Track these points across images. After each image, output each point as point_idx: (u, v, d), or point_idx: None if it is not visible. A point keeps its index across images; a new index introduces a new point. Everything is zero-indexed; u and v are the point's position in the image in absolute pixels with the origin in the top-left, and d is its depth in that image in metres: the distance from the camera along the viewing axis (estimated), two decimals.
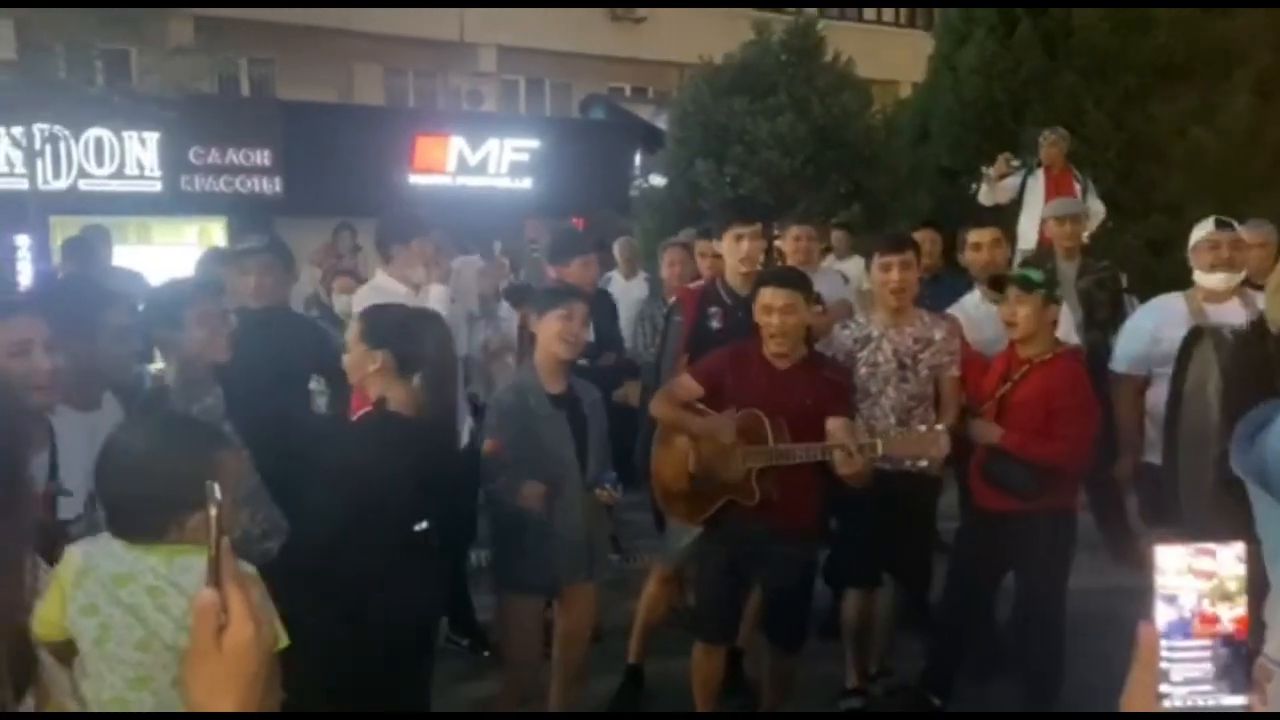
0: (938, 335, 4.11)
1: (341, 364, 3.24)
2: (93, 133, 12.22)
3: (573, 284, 4.77)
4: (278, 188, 13.70)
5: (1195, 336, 3.68)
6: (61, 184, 12.07)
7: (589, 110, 17.94)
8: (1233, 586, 0.95)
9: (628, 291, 7.13)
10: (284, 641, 1.91)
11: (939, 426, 3.64)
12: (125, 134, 12.54)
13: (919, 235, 6.27)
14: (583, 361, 4.74)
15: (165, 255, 11.46)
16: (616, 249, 7.82)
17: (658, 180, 11.87)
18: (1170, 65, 10.10)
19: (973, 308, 4.57)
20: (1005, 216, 6.88)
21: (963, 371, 4.13)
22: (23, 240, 11.21)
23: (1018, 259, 6.20)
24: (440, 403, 3.11)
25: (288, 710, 1.96)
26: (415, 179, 14.56)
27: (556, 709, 3.76)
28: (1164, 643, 0.95)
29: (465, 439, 4.44)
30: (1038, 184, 7.41)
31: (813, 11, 13.04)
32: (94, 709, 1.87)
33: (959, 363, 4.15)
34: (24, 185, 10.86)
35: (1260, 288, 4.43)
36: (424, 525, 3.10)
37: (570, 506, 3.55)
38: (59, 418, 2.63)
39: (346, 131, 13.82)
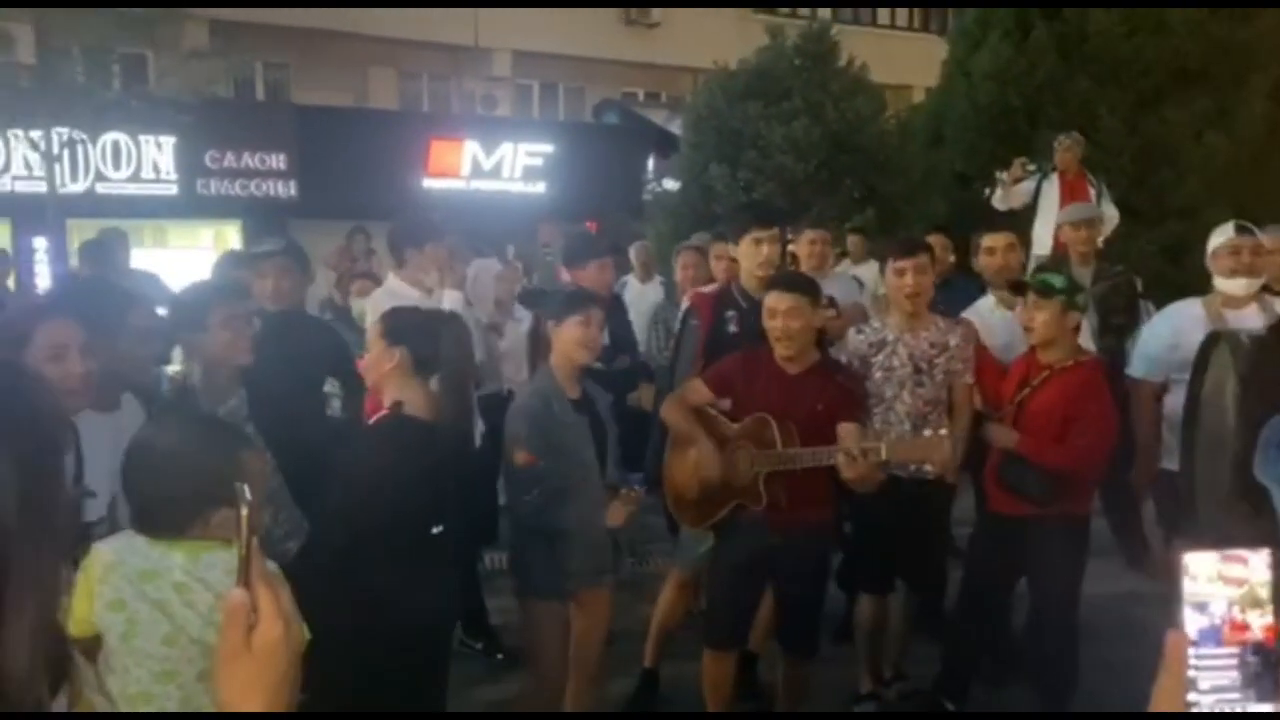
0: (952, 340, 4.11)
1: (356, 367, 3.26)
2: (110, 136, 12.31)
3: (589, 288, 4.79)
4: (293, 191, 13.76)
5: (1212, 341, 3.67)
6: (79, 187, 12.16)
7: (603, 115, 17.98)
8: (1263, 593, 0.94)
9: (643, 295, 7.13)
10: (305, 637, 1.92)
11: (942, 432, 3.63)
12: (142, 138, 12.64)
13: (930, 240, 6.26)
14: (597, 365, 4.75)
15: (181, 258, 11.56)
16: (632, 253, 7.83)
17: (671, 184, 11.89)
18: (1185, 70, 10.06)
19: (986, 312, 4.56)
20: (1020, 221, 6.86)
21: (978, 376, 4.12)
22: (40, 242, 11.31)
23: (1032, 264, 6.18)
24: (457, 404, 3.12)
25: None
26: (429, 183, 14.61)
27: (572, 709, 3.76)
28: (1192, 650, 0.94)
29: (477, 441, 4.45)
30: (1052, 189, 7.39)
31: (827, 16, 13.05)
32: (120, 703, 1.89)
33: (973, 369, 4.14)
34: (42, 188, 10.95)
35: (1279, 294, 4.44)
36: (439, 529, 3.12)
37: (593, 509, 3.55)
38: (81, 419, 2.65)
39: (361, 135, 13.88)
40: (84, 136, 11.34)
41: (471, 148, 15.13)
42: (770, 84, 10.83)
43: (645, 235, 10.37)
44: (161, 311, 4.96)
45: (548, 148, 15.61)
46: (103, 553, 1.96)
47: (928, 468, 3.95)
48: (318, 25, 15.49)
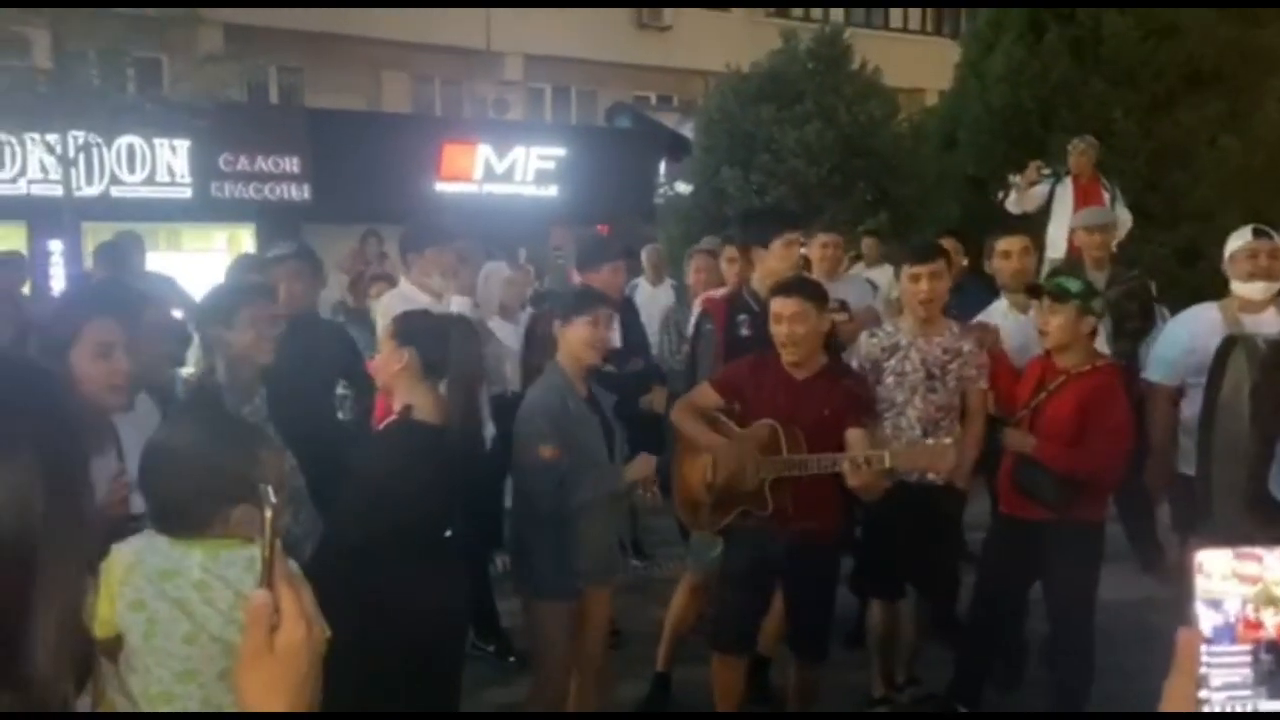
0: (966, 347, 4.09)
1: (367, 369, 3.28)
2: (125, 140, 12.38)
3: (602, 290, 4.80)
4: (306, 194, 13.81)
5: (1229, 345, 3.65)
6: (94, 190, 12.23)
7: (615, 118, 17.99)
8: (1278, 591, 0.94)
9: (654, 299, 7.13)
10: (326, 633, 1.92)
11: (947, 440, 3.60)
12: (156, 141, 12.71)
13: (943, 244, 6.24)
14: (610, 367, 4.76)
15: (195, 261, 11.62)
16: (644, 256, 7.84)
17: (683, 188, 11.89)
18: (1199, 73, 10.02)
19: (1000, 316, 4.55)
20: (1033, 225, 6.85)
21: (993, 380, 4.11)
22: (56, 245, 11.39)
23: (1046, 268, 6.16)
24: (466, 407, 3.12)
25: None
26: (442, 186, 14.65)
27: (576, 709, 3.76)
28: (1204, 647, 0.94)
29: (487, 445, 4.46)
30: (1066, 192, 7.37)
31: (840, 20, 13.04)
32: (142, 704, 1.89)
33: (987, 375, 4.13)
34: (58, 191, 11.02)
35: None
36: (449, 532, 3.12)
37: (603, 509, 3.55)
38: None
39: (374, 139, 13.92)
40: (99, 140, 11.41)
41: (484, 151, 15.16)
42: (783, 87, 10.83)
43: (657, 239, 10.38)
44: (176, 313, 4.99)
45: (560, 151, 15.63)
46: (123, 553, 1.96)
47: (931, 476, 3.95)
48: (331, 29, 15.55)
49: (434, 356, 3.05)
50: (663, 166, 14.77)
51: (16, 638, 0.86)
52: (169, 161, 13.03)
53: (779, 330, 3.63)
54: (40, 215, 11.65)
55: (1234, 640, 0.94)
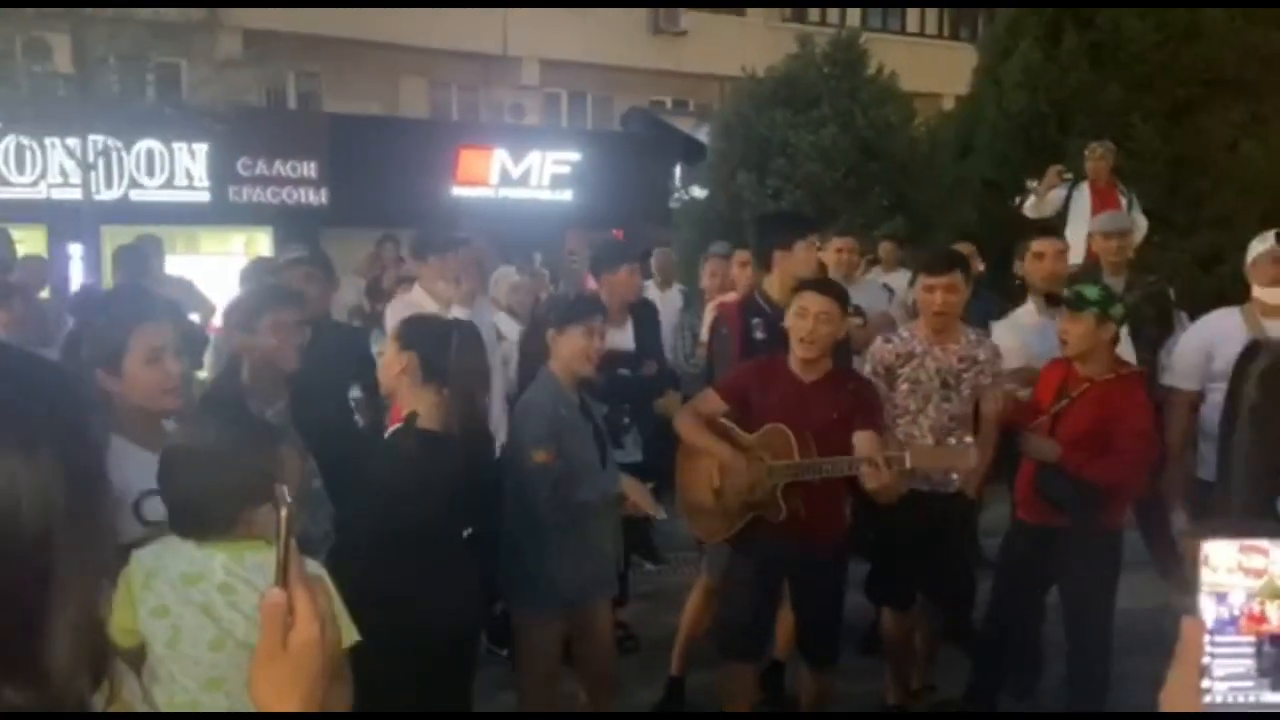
0: (981, 354, 4.07)
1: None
2: (144, 144, 12.49)
3: (619, 293, 4.81)
4: (323, 199, 13.88)
5: (1252, 351, 3.60)
6: (114, 194, 12.34)
7: (630, 123, 18.02)
8: None
9: (662, 303, 7.13)
10: (354, 636, 1.88)
11: (967, 440, 3.58)
12: (175, 146, 12.82)
13: (959, 249, 6.21)
14: (624, 371, 4.76)
15: (213, 264, 11.68)
16: (653, 261, 7.84)
17: (698, 192, 11.88)
18: (1220, 78, 9.95)
19: (1029, 318, 4.50)
20: (1050, 230, 6.82)
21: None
22: (75, 249, 11.48)
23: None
24: (469, 412, 3.11)
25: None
26: (458, 191, 14.70)
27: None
28: (1207, 637, 0.94)
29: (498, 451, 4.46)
30: (1083, 197, 7.34)
31: (856, 24, 13.02)
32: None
33: (1001, 384, 4.10)
34: (78, 195, 11.11)
35: None
36: (464, 534, 3.12)
37: (600, 519, 3.53)
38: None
39: (391, 144, 13.99)
40: (119, 144, 11.51)
41: (500, 156, 15.21)
42: (799, 92, 10.80)
43: (672, 243, 10.38)
44: (194, 317, 5.02)
45: (575, 156, 15.67)
46: (143, 559, 1.92)
47: (954, 476, 3.93)
48: (349, 35, 15.64)
49: (435, 361, 3.04)
50: (678, 171, 14.78)
51: (35, 635, 0.86)
52: (188, 166, 13.14)
53: (802, 325, 3.58)
54: (60, 219, 11.75)
55: (1236, 633, 0.94)
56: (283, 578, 1.00)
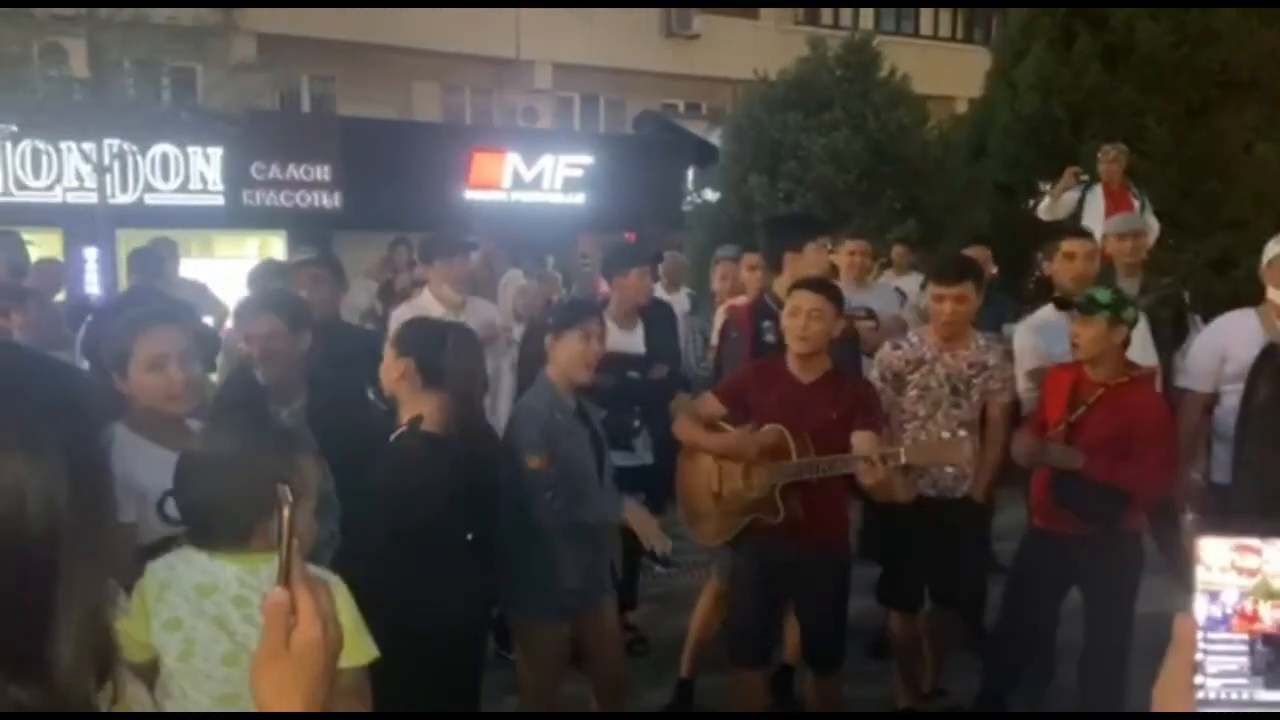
0: (991, 359, 4.05)
1: None
2: (159, 148, 12.56)
3: (630, 296, 4.81)
4: (337, 202, 13.93)
5: (1270, 353, 3.59)
6: (128, 198, 12.41)
7: (642, 126, 18.03)
8: (1278, 585, 0.93)
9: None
10: (373, 653, 1.85)
11: (961, 433, 3.55)
12: (190, 149, 12.88)
13: (972, 253, 6.18)
14: (633, 374, 4.76)
15: (227, 267, 11.74)
16: (662, 263, 7.85)
17: (710, 195, 11.89)
18: (1234, 80, 9.89)
19: (1053, 317, 4.48)
20: (1080, 231, 6.79)
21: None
22: (91, 252, 11.56)
23: None
24: (466, 413, 3.12)
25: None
26: (471, 194, 14.73)
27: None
28: (1200, 634, 0.94)
29: None
30: (1096, 199, 7.31)
31: (868, 27, 13.00)
32: None
33: (1011, 389, 4.08)
34: (93, 199, 11.19)
35: None
36: (470, 537, 3.12)
37: (595, 528, 3.51)
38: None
39: (404, 147, 14.02)
40: (134, 148, 11.59)
41: (513, 159, 15.24)
42: (811, 94, 10.80)
43: (683, 246, 10.38)
44: (208, 320, 5.03)
45: (588, 159, 15.68)
46: (157, 571, 1.89)
47: (952, 472, 3.91)
48: (363, 39, 15.71)
49: (432, 365, 3.04)
50: (690, 174, 14.78)
51: (40, 633, 0.87)
52: (202, 170, 13.20)
53: (794, 323, 3.59)
54: (76, 222, 11.83)
55: (1229, 631, 0.94)
56: (285, 578, 1.00)
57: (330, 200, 13.92)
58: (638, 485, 4.27)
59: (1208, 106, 9.88)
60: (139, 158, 12.27)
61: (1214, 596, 0.94)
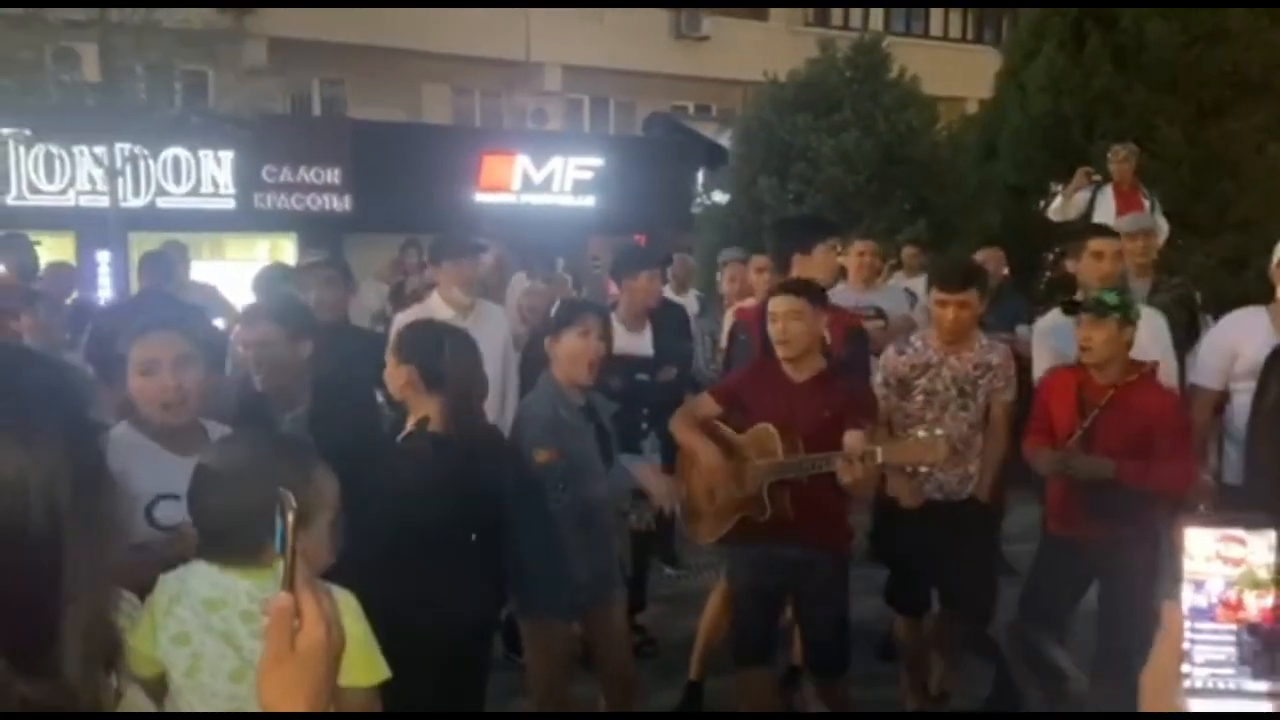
0: (994, 359, 4.04)
1: None
2: (171, 152, 12.63)
3: (640, 298, 4.82)
4: (347, 205, 13.98)
5: None
6: (140, 201, 12.48)
7: (652, 128, 18.05)
8: (1264, 575, 0.93)
9: None
10: (385, 673, 1.84)
11: (939, 431, 3.51)
12: (201, 153, 12.95)
13: (983, 255, 6.16)
14: (642, 376, 4.76)
15: (238, 270, 11.79)
16: (672, 266, 7.85)
17: (720, 197, 11.89)
18: (1246, 80, 9.85)
19: (1063, 320, 4.45)
20: (1106, 229, 6.76)
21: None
22: (103, 256, 11.62)
23: None
24: (465, 414, 3.12)
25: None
26: (481, 197, 14.76)
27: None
28: (1186, 624, 0.94)
29: None
30: (1107, 200, 7.29)
31: (878, 28, 12.98)
32: None
33: (1013, 387, 4.07)
34: (105, 202, 11.25)
35: None
36: (474, 538, 3.13)
37: (603, 523, 3.52)
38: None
39: (414, 150, 14.06)
40: (146, 152, 11.64)
41: (522, 162, 15.27)
42: (821, 96, 10.80)
43: (694, 248, 10.38)
44: (218, 323, 5.05)
45: (598, 161, 15.70)
46: (168, 583, 1.88)
47: (965, 479, 3.90)
48: (373, 43, 15.76)
49: (432, 369, 3.05)
50: (700, 176, 14.79)
51: (47, 631, 0.88)
52: (213, 173, 13.27)
53: (774, 329, 3.62)
54: (88, 226, 11.89)
55: (1213, 620, 0.94)
56: (289, 582, 1.01)
57: (341, 203, 13.97)
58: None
59: (1219, 107, 9.84)
60: (151, 161, 12.33)
61: (1199, 586, 0.94)
